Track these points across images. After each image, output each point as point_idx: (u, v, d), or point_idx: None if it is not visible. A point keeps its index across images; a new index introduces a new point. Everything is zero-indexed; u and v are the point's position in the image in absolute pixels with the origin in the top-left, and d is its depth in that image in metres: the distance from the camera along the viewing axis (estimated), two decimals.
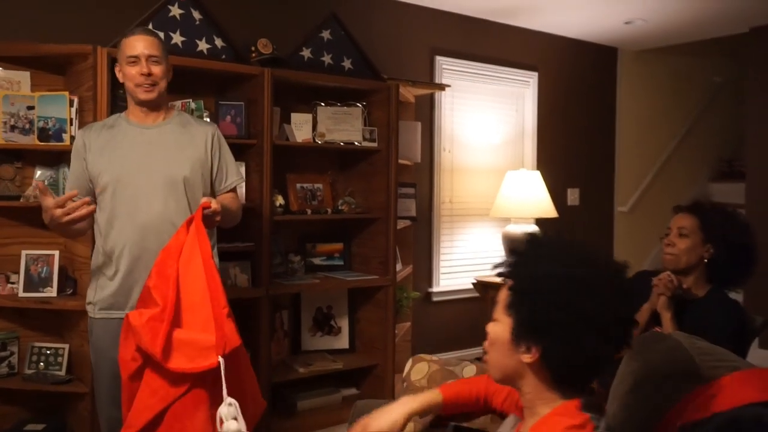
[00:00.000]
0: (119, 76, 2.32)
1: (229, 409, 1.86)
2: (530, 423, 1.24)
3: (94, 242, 2.71)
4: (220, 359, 1.90)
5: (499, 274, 1.31)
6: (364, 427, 1.49)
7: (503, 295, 1.28)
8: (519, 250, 1.30)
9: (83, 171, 2.27)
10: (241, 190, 3.17)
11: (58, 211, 2.02)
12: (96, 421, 2.76)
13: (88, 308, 2.30)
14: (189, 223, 2.04)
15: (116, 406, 2.12)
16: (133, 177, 2.23)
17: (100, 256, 2.27)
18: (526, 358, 1.23)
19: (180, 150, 2.29)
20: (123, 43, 2.28)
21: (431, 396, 1.53)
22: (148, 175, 2.23)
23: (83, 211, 2.04)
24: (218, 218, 2.12)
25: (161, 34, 2.99)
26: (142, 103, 2.28)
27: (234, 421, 1.85)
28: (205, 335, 1.94)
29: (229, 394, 1.90)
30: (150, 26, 2.96)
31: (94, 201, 2.26)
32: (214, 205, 2.09)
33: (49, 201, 2.04)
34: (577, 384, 1.25)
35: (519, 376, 1.26)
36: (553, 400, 1.23)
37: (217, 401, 1.93)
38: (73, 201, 2.07)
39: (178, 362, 1.91)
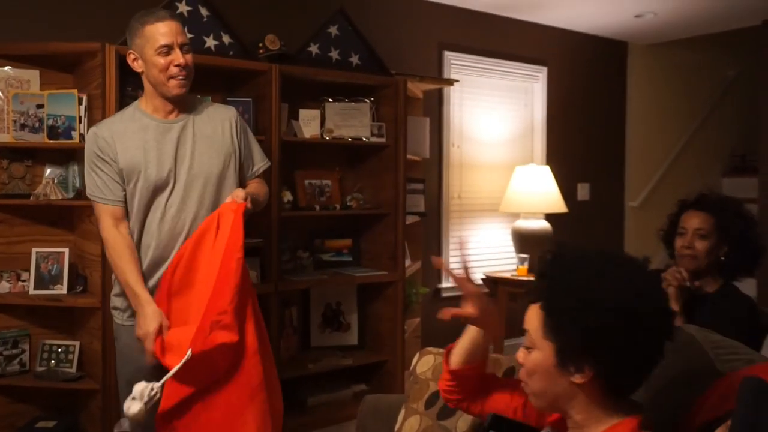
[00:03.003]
0: (136, 65, 2.10)
1: (144, 390, 1.78)
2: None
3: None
4: (189, 351, 1.88)
5: (531, 301, 1.25)
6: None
7: (535, 320, 1.22)
8: (545, 271, 1.24)
9: (115, 172, 2.08)
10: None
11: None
12: (107, 418, 2.77)
13: (115, 314, 2.18)
14: (220, 214, 2.04)
15: None
16: (166, 178, 2.09)
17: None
18: (578, 379, 1.18)
19: (210, 144, 2.15)
20: (145, 29, 2.04)
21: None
22: (183, 175, 2.10)
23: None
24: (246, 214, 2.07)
25: None
26: (172, 98, 2.10)
27: (137, 402, 1.77)
28: (187, 330, 1.95)
29: (244, 400, 1.94)
30: None
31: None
32: (248, 204, 2.06)
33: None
34: (629, 392, 1.22)
35: (569, 399, 1.21)
36: (606, 417, 1.20)
37: (269, 395, 1.98)
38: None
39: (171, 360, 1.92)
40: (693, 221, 2.25)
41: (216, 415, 1.97)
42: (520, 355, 1.26)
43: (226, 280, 1.95)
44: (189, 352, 1.87)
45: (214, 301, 1.94)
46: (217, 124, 2.19)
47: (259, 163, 2.33)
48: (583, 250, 1.26)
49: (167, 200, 2.11)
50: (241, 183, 2.26)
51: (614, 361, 1.16)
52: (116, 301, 2.18)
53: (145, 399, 1.78)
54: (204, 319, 1.93)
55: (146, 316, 1.99)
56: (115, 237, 2.09)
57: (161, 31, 2.03)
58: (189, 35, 3.03)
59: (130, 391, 1.88)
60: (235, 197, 2.07)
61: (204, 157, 2.14)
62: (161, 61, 2.04)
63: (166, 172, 2.09)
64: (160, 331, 1.97)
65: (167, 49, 2.04)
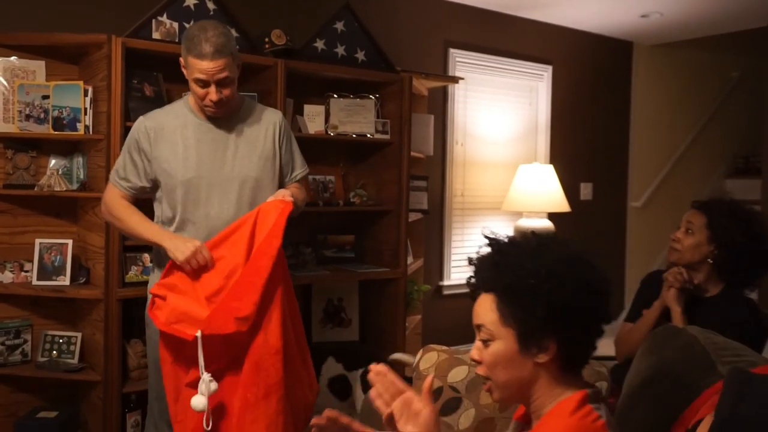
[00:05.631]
0: (184, 73, 2.14)
1: (206, 385, 1.91)
2: (539, 418, 1.24)
3: (107, 232, 2.74)
4: (198, 334, 1.91)
5: (474, 297, 1.28)
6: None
7: (490, 313, 1.24)
8: (489, 261, 1.27)
9: (143, 165, 2.18)
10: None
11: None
12: (108, 409, 2.79)
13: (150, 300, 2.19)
14: (260, 211, 2.07)
15: (162, 400, 2.15)
16: (203, 178, 2.15)
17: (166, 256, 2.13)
18: (542, 357, 1.21)
19: (251, 148, 2.20)
20: (189, 58, 2.07)
21: None
22: (220, 177, 2.15)
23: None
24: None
25: (175, 25, 3.00)
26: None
27: (201, 397, 1.91)
28: (201, 308, 1.96)
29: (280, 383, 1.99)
30: (164, 16, 2.95)
31: (153, 194, 2.24)
32: (289, 201, 2.09)
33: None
34: (583, 365, 1.28)
35: (531, 382, 1.24)
36: (560, 395, 1.23)
37: (290, 391, 2.02)
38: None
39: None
40: (687, 217, 2.27)
41: (231, 410, 2.00)
42: (476, 352, 1.27)
43: (253, 277, 1.97)
44: (199, 333, 1.91)
45: (236, 291, 1.96)
46: (261, 127, 2.24)
47: (299, 168, 2.37)
48: (520, 233, 1.33)
49: (206, 200, 2.15)
50: (280, 187, 2.29)
51: (575, 333, 1.21)
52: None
53: (205, 391, 1.93)
54: (222, 304, 1.96)
55: (182, 240, 2.06)
56: (118, 199, 2.20)
57: (200, 68, 2.05)
58: None
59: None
60: (282, 196, 2.10)
61: (244, 160, 2.18)
62: (198, 90, 2.10)
63: (204, 171, 2.14)
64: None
65: (203, 84, 2.08)
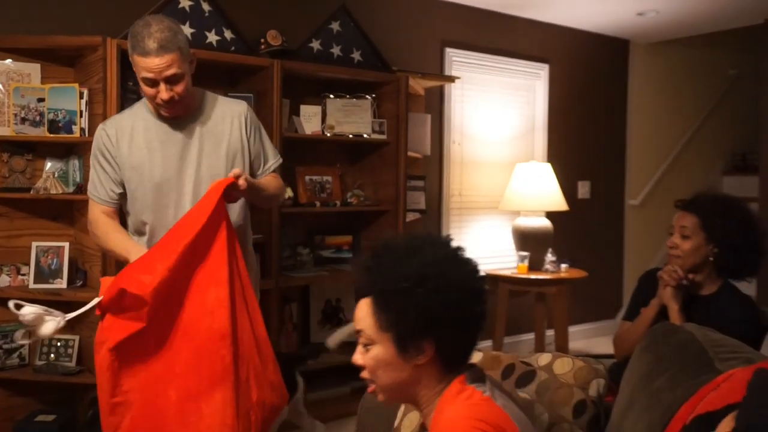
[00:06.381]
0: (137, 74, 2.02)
1: (28, 308, 1.80)
2: (431, 418, 1.27)
3: None
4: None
5: (356, 299, 1.30)
6: None
7: (368, 317, 1.26)
8: (369, 266, 1.29)
9: (114, 171, 2.08)
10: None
11: None
12: None
13: None
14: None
15: None
16: (172, 181, 2.06)
17: None
18: (421, 359, 1.23)
19: (217, 144, 2.10)
20: (134, 57, 1.96)
21: None
22: (189, 178, 2.06)
23: None
24: (237, 194, 1.96)
25: None
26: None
27: (29, 307, 1.80)
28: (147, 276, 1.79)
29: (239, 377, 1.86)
30: None
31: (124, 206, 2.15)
32: (242, 182, 1.91)
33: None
34: (465, 361, 1.30)
35: (415, 383, 1.27)
36: (443, 390, 1.26)
37: (240, 390, 1.87)
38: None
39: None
40: (679, 221, 2.25)
41: (168, 401, 1.84)
42: (358, 357, 1.29)
43: (172, 243, 1.83)
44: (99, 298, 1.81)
45: (143, 258, 1.85)
46: (227, 121, 2.14)
47: (272, 159, 2.27)
48: (392, 236, 1.36)
49: (176, 204, 2.08)
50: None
51: (451, 333, 1.23)
52: None
53: (31, 310, 1.83)
54: (129, 267, 1.85)
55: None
56: (103, 217, 2.11)
57: (145, 66, 1.95)
58: (190, 30, 3.06)
59: None
60: (231, 173, 1.95)
61: (212, 157, 2.10)
62: (148, 90, 1.99)
63: (172, 173, 2.06)
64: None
65: (152, 83, 1.97)
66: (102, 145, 2.09)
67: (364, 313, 1.27)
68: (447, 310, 1.22)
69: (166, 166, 2.06)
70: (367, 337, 1.27)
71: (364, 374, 1.29)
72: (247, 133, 2.16)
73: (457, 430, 1.17)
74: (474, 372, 1.28)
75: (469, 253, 1.33)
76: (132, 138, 2.08)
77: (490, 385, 1.26)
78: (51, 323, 1.80)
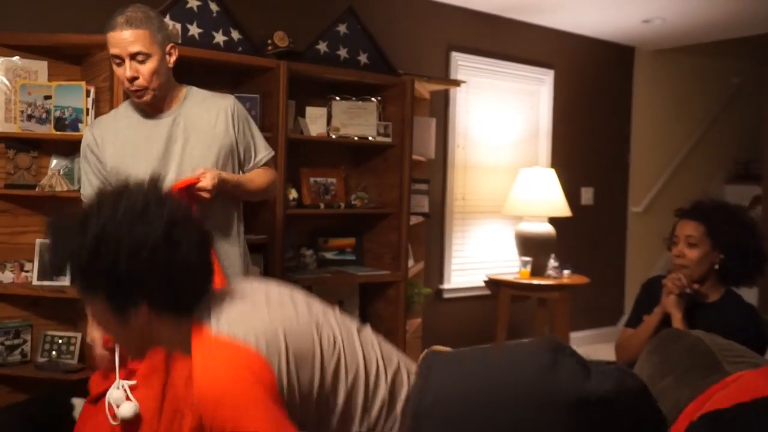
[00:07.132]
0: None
1: (118, 393, 1.80)
2: (181, 365, 1.35)
3: None
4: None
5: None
6: None
7: (90, 304, 1.33)
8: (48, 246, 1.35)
9: (101, 173, 2.08)
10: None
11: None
12: None
13: None
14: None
15: None
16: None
17: None
18: (141, 316, 1.27)
19: (201, 138, 2.07)
20: (107, 35, 1.97)
21: None
22: (175, 174, 2.02)
23: None
24: (207, 195, 1.91)
25: (178, 26, 2.99)
26: (142, 104, 2.05)
27: (128, 402, 1.79)
28: None
29: None
30: (167, 17, 2.93)
31: None
32: (206, 182, 1.88)
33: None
34: (192, 305, 1.30)
35: (156, 339, 1.32)
36: (180, 326, 1.29)
37: None
38: None
39: None
40: (684, 229, 2.25)
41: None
42: (92, 334, 1.46)
43: None
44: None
45: None
46: (212, 115, 2.11)
47: (263, 152, 2.23)
48: (62, 213, 1.37)
49: None
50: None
51: (160, 285, 1.24)
52: None
53: (123, 396, 1.82)
54: None
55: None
56: None
57: (112, 41, 1.95)
58: (198, 30, 3.07)
59: None
60: (197, 173, 1.93)
61: (195, 152, 2.06)
62: (117, 71, 1.99)
63: (155, 170, 2.02)
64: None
65: (119, 60, 1.96)
66: (87, 147, 2.11)
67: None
68: (142, 266, 1.22)
69: (149, 163, 2.03)
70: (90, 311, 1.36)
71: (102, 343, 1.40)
72: (234, 127, 2.13)
73: (210, 391, 1.19)
74: (202, 306, 1.30)
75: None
76: (116, 137, 2.07)
77: (216, 312, 1.27)
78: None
